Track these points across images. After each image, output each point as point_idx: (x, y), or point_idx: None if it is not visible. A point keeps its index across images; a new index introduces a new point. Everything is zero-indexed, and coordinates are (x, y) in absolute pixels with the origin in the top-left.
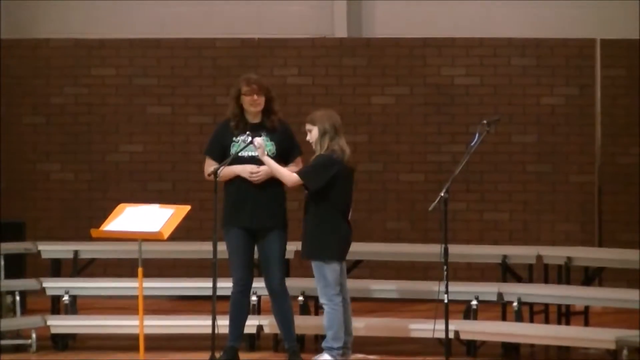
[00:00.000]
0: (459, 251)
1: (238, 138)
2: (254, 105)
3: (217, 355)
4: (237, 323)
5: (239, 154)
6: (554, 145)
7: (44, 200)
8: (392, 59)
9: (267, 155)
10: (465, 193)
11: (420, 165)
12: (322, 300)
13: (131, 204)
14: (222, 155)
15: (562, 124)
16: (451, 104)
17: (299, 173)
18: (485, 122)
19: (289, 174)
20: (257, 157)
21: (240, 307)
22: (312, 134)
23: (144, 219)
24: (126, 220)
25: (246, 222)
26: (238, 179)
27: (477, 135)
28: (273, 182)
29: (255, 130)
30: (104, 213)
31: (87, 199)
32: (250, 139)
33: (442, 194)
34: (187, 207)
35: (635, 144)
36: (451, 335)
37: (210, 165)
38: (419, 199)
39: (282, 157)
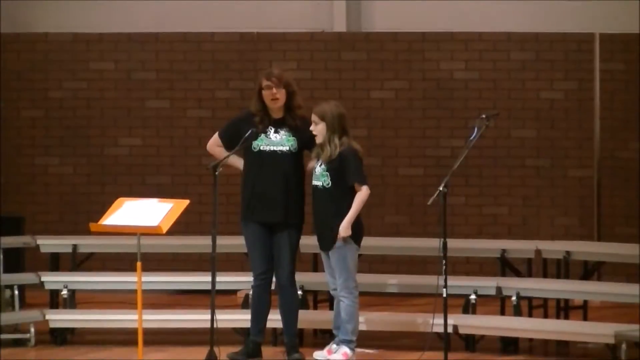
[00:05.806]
0: (457, 245)
1: (262, 134)
2: (273, 101)
3: (216, 350)
4: (259, 317)
5: (261, 148)
6: (553, 140)
7: (43, 194)
8: (391, 53)
9: (290, 150)
10: (464, 187)
11: (419, 159)
12: (342, 294)
13: (130, 198)
14: (232, 140)
15: (561, 118)
16: (450, 99)
17: (358, 181)
18: (484, 116)
19: (362, 194)
20: (278, 152)
21: (261, 301)
22: (319, 127)
23: (142, 213)
24: (125, 215)
25: (262, 217)
26: (253, 174)
27: (476, 129)
28: (290, 178)
29: (278, 127)
30: (103, 207)
31: (86, 193)
32: (254, 131)
33: (441, 188)
34: (186, 201)
35: (634, 139)
36: (450, 329)
37: (214, 145)
38: (418, 193)
39: (300, 152)
